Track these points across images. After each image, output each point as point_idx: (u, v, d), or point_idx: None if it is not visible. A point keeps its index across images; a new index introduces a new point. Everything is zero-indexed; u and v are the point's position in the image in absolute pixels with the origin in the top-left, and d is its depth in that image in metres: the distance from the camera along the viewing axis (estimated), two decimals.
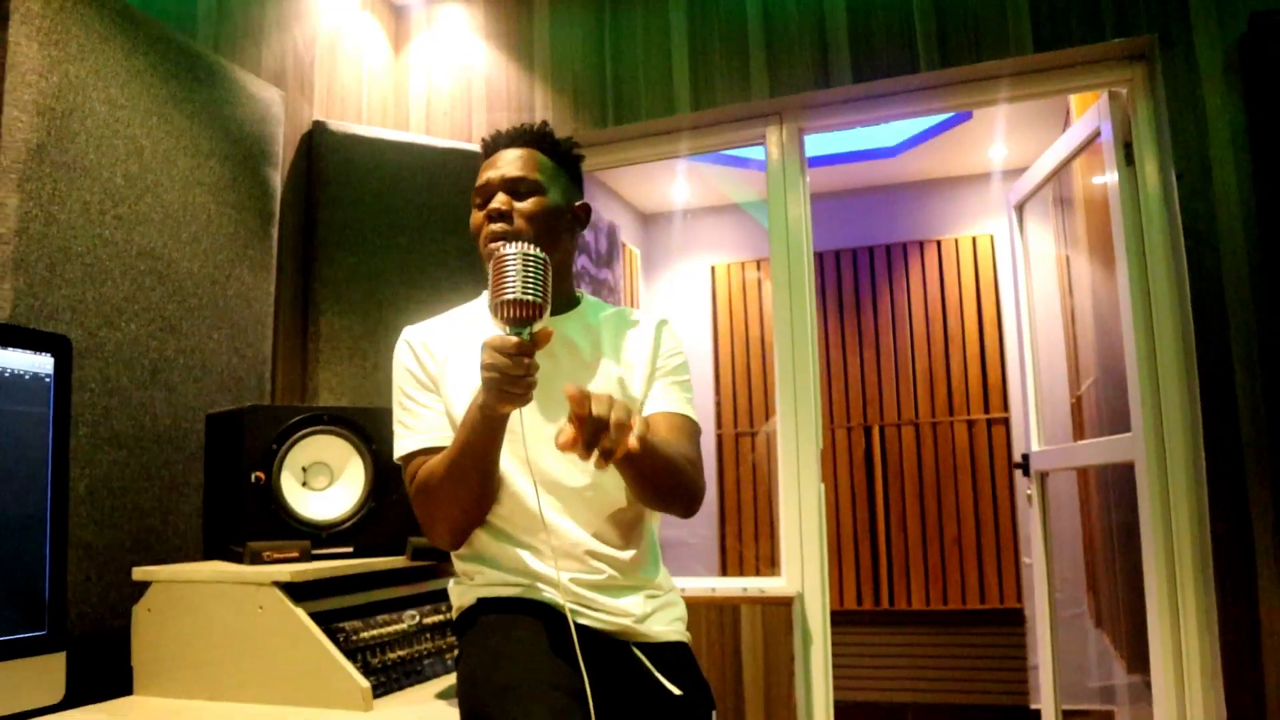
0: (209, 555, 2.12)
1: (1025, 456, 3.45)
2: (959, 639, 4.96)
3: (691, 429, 1.69)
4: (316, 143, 2.81)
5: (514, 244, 1.38)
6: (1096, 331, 3.56)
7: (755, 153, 4.50)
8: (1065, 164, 3.11)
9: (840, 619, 5.07)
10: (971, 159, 5.03)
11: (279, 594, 1.73)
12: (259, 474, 1.91)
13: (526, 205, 1.63)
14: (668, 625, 1.66)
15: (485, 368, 1.34)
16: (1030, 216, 3.74)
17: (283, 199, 2.65)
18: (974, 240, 5.15)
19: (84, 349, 1.98)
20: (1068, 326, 4.35)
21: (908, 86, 2.73)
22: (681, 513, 1.65)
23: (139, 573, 1.88)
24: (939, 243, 5.22)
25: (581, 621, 1.55)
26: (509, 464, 1.57)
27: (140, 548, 2.07)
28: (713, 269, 5.67)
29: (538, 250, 1.38)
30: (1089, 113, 2.86)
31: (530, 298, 1.34)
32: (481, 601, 1.60)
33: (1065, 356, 4.44)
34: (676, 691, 1.57)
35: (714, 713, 1.64)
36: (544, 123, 1.76)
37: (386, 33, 3.26)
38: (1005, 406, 4.99)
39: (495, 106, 3.14)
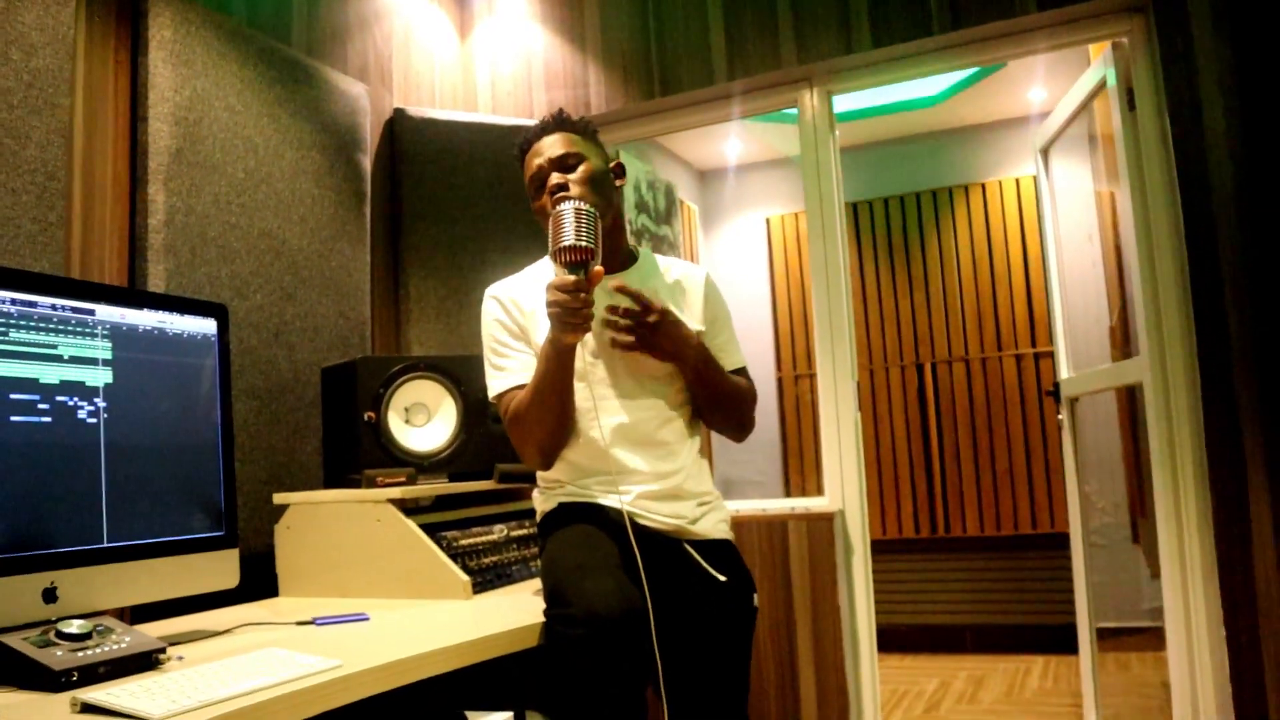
0: (329, 485, 2.52)
1: (1056, 384, 3.70)
2: (1011, 563, 5.23)
3: (747, 374, 2.13)
4: (397, 128, 3.18)
5: (566, 201, 1.74)
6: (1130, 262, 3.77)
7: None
8: (1080, 110, 3.34)
9: (898, 547, 5.40)
10: (1010, 103, 5.22)
11: (393, 509, 2.13)
12: (370, 414, 2.30)
13: (578, 174, 1.96)
14: (714, 525, 2.01)
15: (549, 304, 1.70)
16: (1062, 157, 3.95)
17: (372, 180, 3.03)
18: (1017, 181, 5.35)
19: None
20: (1108, 257, 4.55)
21: (923, 49, 2.98)
22: (735, 432, 2.09)
23: (279, 497, 2.30)
24: (983, 185, 5.43)
25: (642, 523, 1.90)
26: (582, 406, 1.92)
27: (273, 480, 2.49)
28: (768, 221, 5.96)
29: (587, 205, 1.73)
30: (1097, 61, 3.09)
31: (583, 242, 1.70)
32: (561, 505, 1.97)
33: (1105, 286, 4.63)
34: (721, 578, 1.92)
35: (754, 595, 1.98)
36: (560, 109, 2.09)
37: (453, 22, 3.61)
38: (1051, 341, 5.20)
39: (553, 85, 3.48)
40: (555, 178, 1.94)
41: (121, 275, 2.26)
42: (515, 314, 2.01)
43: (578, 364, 1.84)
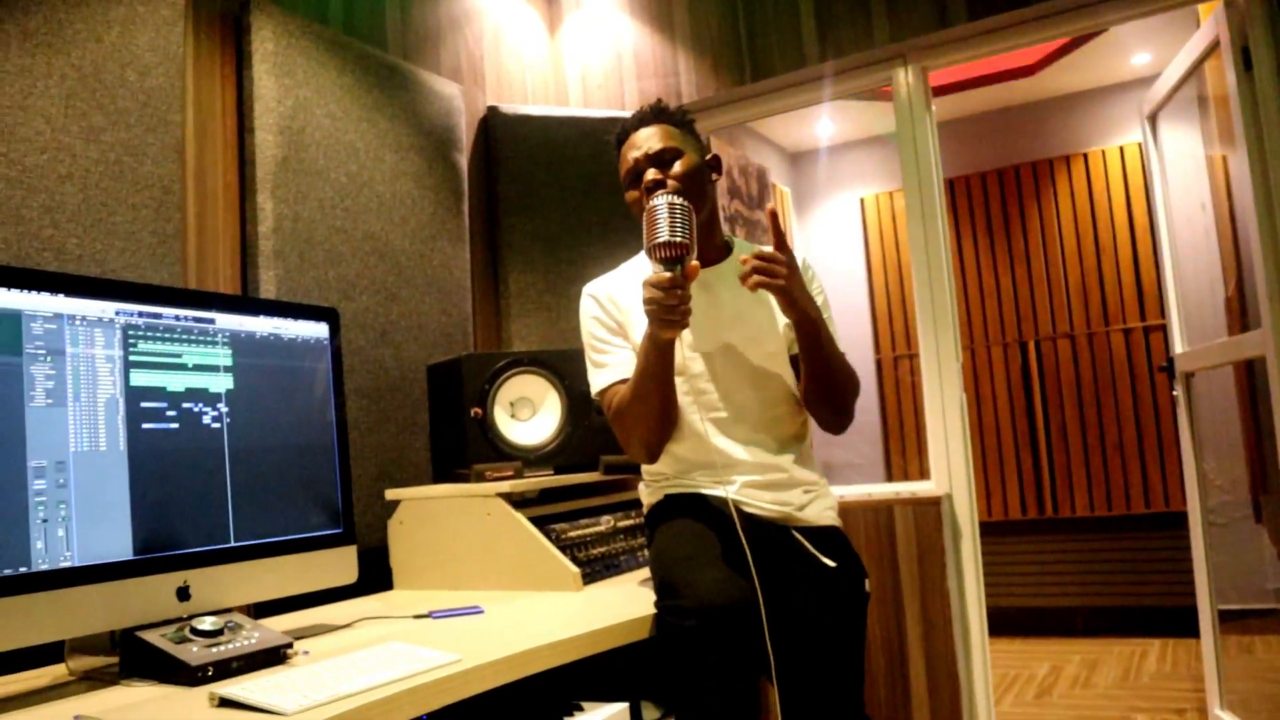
0: (438, 479, 2.58)
1: (1170, 359, 3.57)
2: (1124, 543, 5.08)
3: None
4: (491, 125, 3.22)
5: (662, 196, 1.74)
6: (1245, 230, 3.62)
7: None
8: (1190, 73, 3.21)
9: (1003, 529, 5.29)
10: (1113, 69, 5.04)
11: (502, 503, 2.16)
12: (477, 410, 2.35)
13: (676, 169, 1.96)
14: (821, 512, 1.99)
15: (645, 301, 1.70)
16: (1172, 122, 3.80)
17: (469, 178, 3.08)
18: (1121, 150, 5.17)
19: None
20: (1222, 225, 4.37)
21: (1022, 18, 2.90)
22: (835, 416, 2.01)
23: (391, 493, 2.36)
24: (1085, 155, 5.26)
25: (749, 511, 1.90)
26: (683, 400, 1.92)
27: (384, 476, 2.55)
28: (862, 201, 5.87)
29: (681, 199, 1.72)
30: (1208, 21, 2.96)
31: (678, 239, 1.69)
32: (668, 497, 1.98)
33: (1220, 257, 4.45)
34: (830, 564, 1.90)
35: (866, 580, 1.96)
36: (659, 99, 2.08)
37: (542, 18, 3.64)
38: (1162, 313, 5.02)
39: (644, 75, 3.48)
40: (651, 173, 1.94)
41: (234, 282, 2.34)
42: (613, 310, 2.02)
43: (677, 358, 1.84)
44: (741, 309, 2.01)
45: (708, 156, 2.06)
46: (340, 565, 1.83)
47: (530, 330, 3.12)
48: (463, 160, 3.03)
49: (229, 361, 1.65)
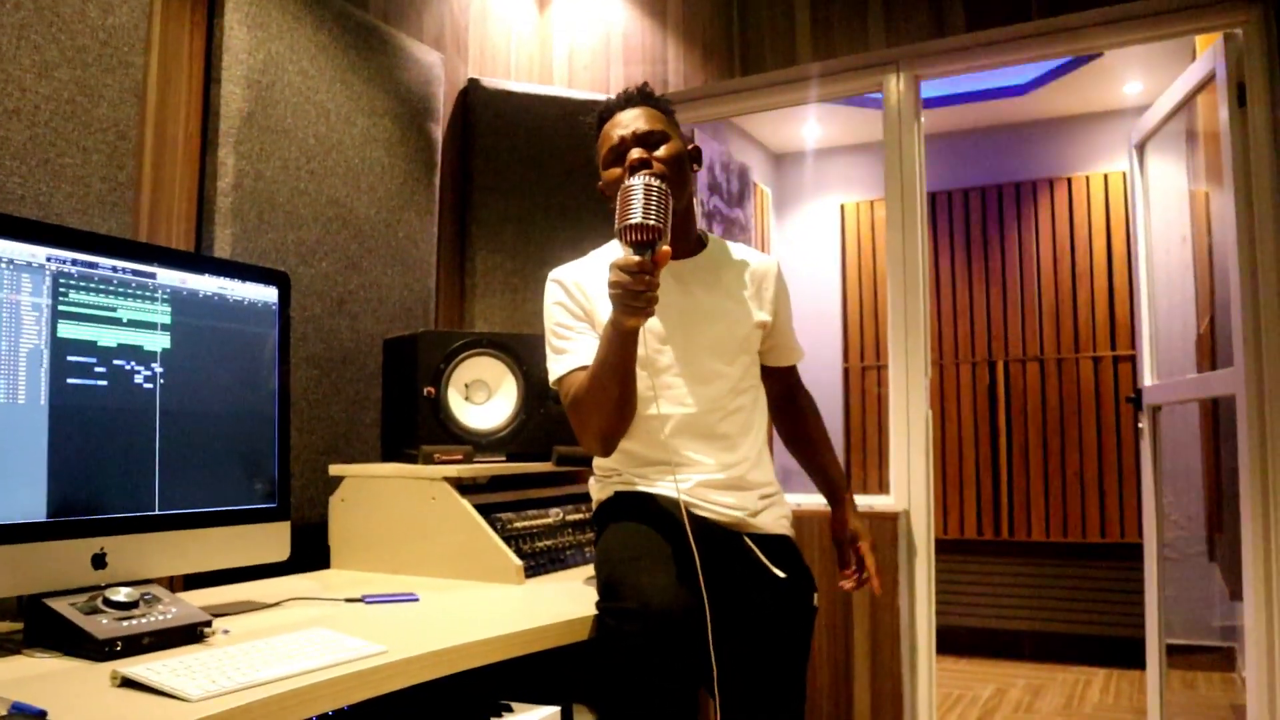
0: (387, 458, 2.50)
1: (1138, 391, 3.55)
2: (1077, 571, 5.08)
3: (794, 371, 2.17)
4: (471, 99, 3.14)
5: (639, 176, 1.66)
6: (1222, 267, 3.61)
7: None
8: (1182, 105, 3.18)
9: (959, 547, 5.28)
10: (1104, 95, 5.02)
11: (448, 487, 2.09)
12: (430, 389, 2.27)
13: (662, 152, 1.89)
14: (775, 520, 1.93)
15: (611, 285, 1.62)
16: (1158, 153, 3.78)
17: (443, 151, 2.99)
18: (1105, 177, 5.15)
19: None
20: (1199, 261, 4.36)
21: (1021, 33, 2.85)
22: None
23: (334, 469, 2.28)
24: (1069, 180, 5.24)
25: (700, 514, 1.84)
26: (642, 388, 1.85)
27: (331, 450, 2.47)
28: (842, 207, 5.83)
29: (660, 182, 1.65)
30: (1206, 53, 2.92)
31: (652, 221, 1.61)
32: (617, 494, 1.91)
33: (1195, 292, 4.45)
34: (781, 574, 1.84)
35: (814, 594, 1.91)
36: (645, 83, 2.01)
37: None
38: (1133, 344, 5.02)
39: (631, 60, 3.40)
40: (637, 152, 1.87)
41: (189, 238, 2.25)
42: (579, 297, 1.95)
43: (640, 351, 1.77)
44: (712, 306, 1.94)
45: (689, 147, 1.99)
46: (272, 542, 1.74)
47: (493, 311, 3.04)
48: (438, 131, 2.94)
49: (167, 319, 1.57)
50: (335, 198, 2.53)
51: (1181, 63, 4.42)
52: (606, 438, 1.88)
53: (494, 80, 3.19)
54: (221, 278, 1.67)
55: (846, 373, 5.73)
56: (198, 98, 2.30)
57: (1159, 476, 3.51)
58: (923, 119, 3.08)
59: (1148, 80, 4.79)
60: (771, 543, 1.89)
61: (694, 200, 2.07)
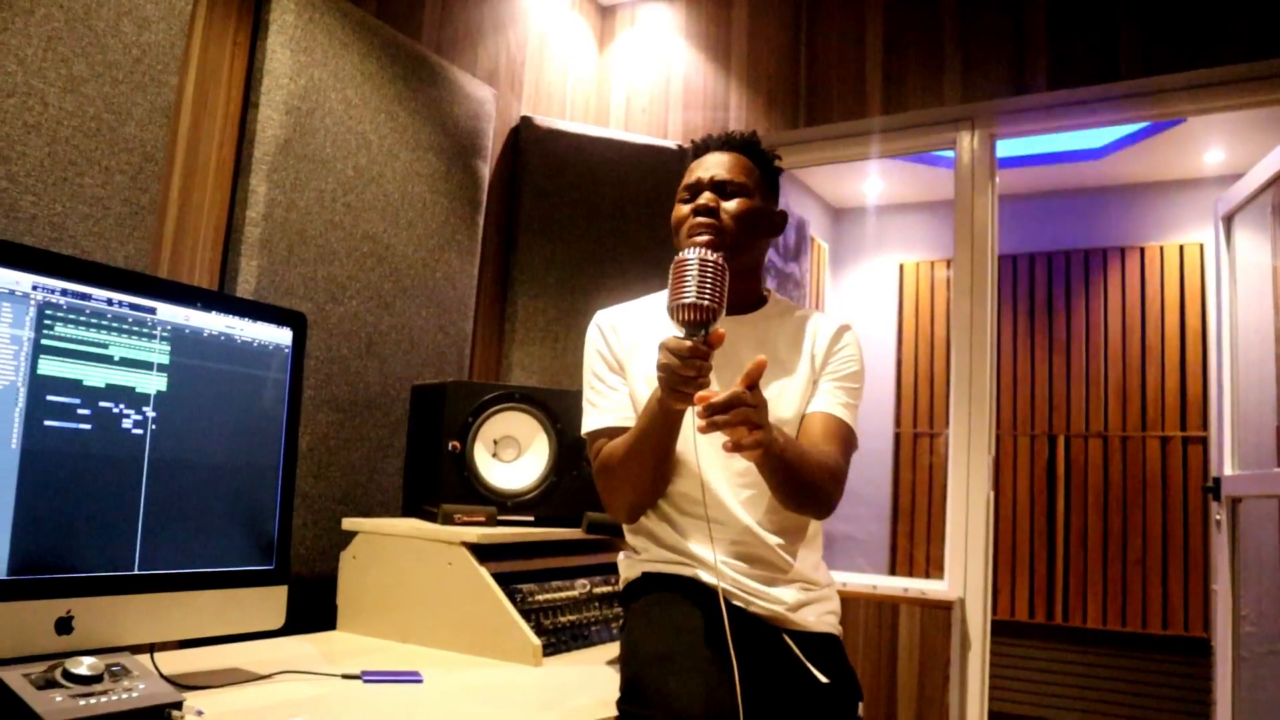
0: (407, 512, 2.34)
1: (1216, 480, 3.31)
2: (1135, 663, 4.78)
3: (845, 436, 1.74)
4: (523, 137, 3.01)
5: (694, 249, 1.50)
6: None
7: (949, 152, 4.46)
8: (1277, 178, 2.97)
9: (1009, 629, 5.00)
10: (1184, 163, 4.80)
11: (466, 553, 1.92)
12: (455, 443, 2.11)
13: (732, 205, 1.74)
14: (819, 617, 1.74)
15: (660, 368, 1.46)
16: (1243, 227, 3.56)
17: (489, 189, 2.87)
18: (1181, 249, 4.91)
19: (312, 321, 2.22)
20: None
21: (1108, 94, 2.67)
22: (813, 516, 1.76)
23: (347, 523, 2.12)
24: (1142, 250, 5.01)
25: (736, 604, 1.66)
26: (681, 450, 1.69)
27: (348, 500, 2.32)
28: (901, 267, 5.63)
29: (716, 256, 1.48)
30: None
31: (706, 302, 1.44)
32: (646, 576, 1.73)
33: (1276, 378, 4.19)
34: (823, 679, 1.65)
35: (860, 703, 1.72)
36: (753, 132, 1.87)
37: (593, 32, 3.44)
38: (1204, 425, 4.75)
39: (691, 105, 3.27)
40: (706, 196, 1.74)
41: (213, 268, 2.13)
42: (615, 345, 1.80)
43: (684, 427, 1.61)
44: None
45: (775, 210, 1.84)
46: (265, 607, 1.58)
47: (533, 360, 2.89)
48: (485, 170, 2.81)
49: (165, 359, 1.43)
50: (371, 233, 2.41)
51: (1268, 131, 4.20)
52: (636, 508, 1.73)
53: (547, 119, 3.06)
54: (231, 315, 1.53)
55: (898, 438, 5.50)
56: (234, 122, 2.19)
57: (1237, 573, 3.26)
58: (997, 179, 2.90)
59: (1231, 149, 4.57)
60: (815, 641, 1.70)
61: (762, 263, 1.90)
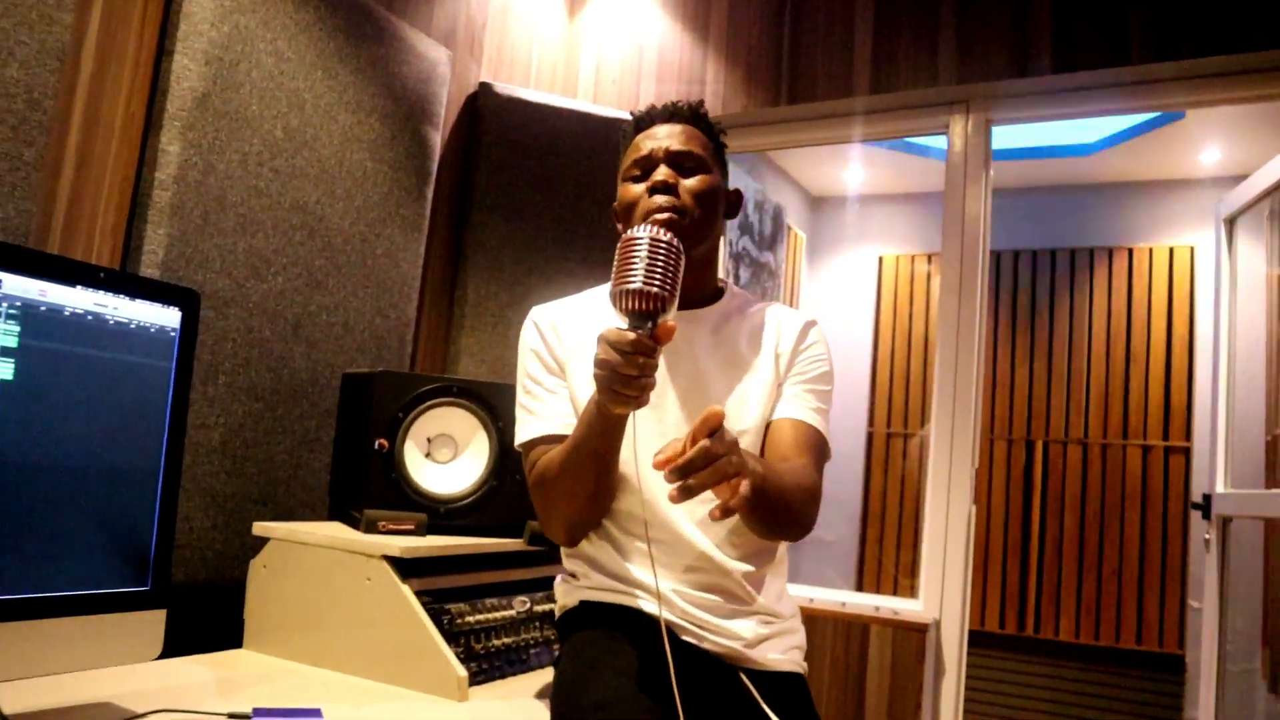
0: (333, 515, 2.11)
1: (1206, 496, 3.13)
2: (1107, 678, 4.63)
3: (818, 445, 1.53)
4: (481, 104, 2.77)
5: (645, 226, 1.27)
6: None
7: (937, 141, 4.26)
8: None
9: (978, 640, 4.82)
10: (1179, 162, 4.62)
11: (387, 568, 1.70)
12: (383, 441, 1.88)
13: (694, 183, 1.52)
14: (783, 654, 1.53)
15: (598, 364, 1.23)
16: (1240, 232, 3.39)
17: (441, 160, 2.63)
18: (1171, 251, 4.74)
19: (230, 298, 1.99)
20: (1271, 356, 3.94)
21: (1117, 79, 2.47)
22: (787, 541, 1.57)
23: (259, 528, 1.89)
24: (1130, 251, 4.84)
25: (686, 639, 1.45)
26: (623, 461, 1.47)
27: (268, 499, 2.09)
28: (880, 259, 5.44)
29: (670, 236, 1.26)
30: None
31: (655, 289, 1.22)
32: (584, 605, 1.52)
33: (1265, 390, 4.03)
34: None
35: None
36: (700, 100, 1.64)
37: None
38: (1187, 435, 4.59)
39: (665, 78, 3.04)
40: (664, 171, 1.51)
41: (116, 235, 1.88)
42: (555, 344, 1.58)
43: (627, 433, 1.38)
44: (717, 367, 1.55)
45: (730, 189, 1.62)
46: (138, 635, 1.35)
47: (484, 348, 2.66)
48: (437, 138, 2.57)
49: (13, 341, 1.19)
50: (302, 203, 2.16)
51: (1267, 131, 4.03)
52: (574, 528, 1.51)
53: (508, 87, 2.82)
54: (101, 291, 1.29)
55: (870, 437, 5.32)
56: (146, 72, 1.94)
57: (1226, 595, 3.09)
58: (992, 169, 2.69)
59: (1229, 148, 4.39)
60: (776, 682, 1.49)
61: (718, 249, 1.68)
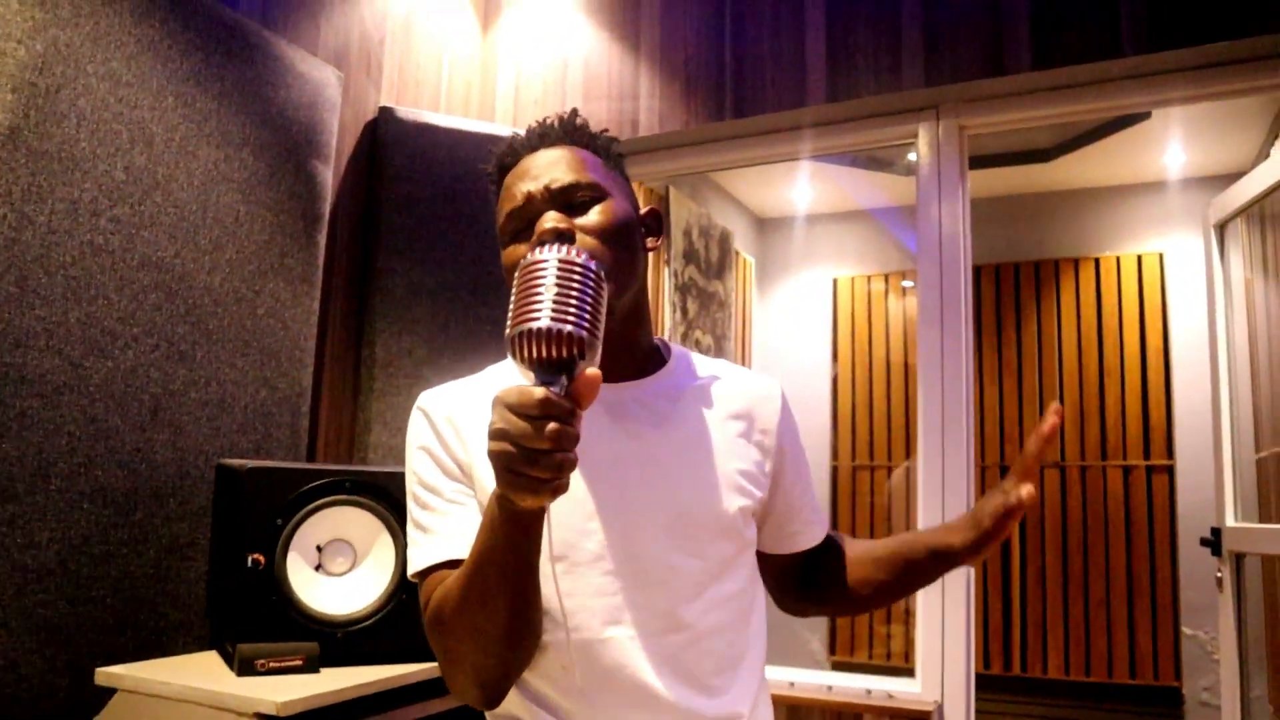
0: (215, 643, 1.71)
1: (1215, 530, 2.84)
2: (1102, 716, 4.34)
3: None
4: (381, 132, 2.40)
5: (551, 248, 0.90)
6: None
7: (888, 151, 3.96)
8: None
9: None
10: (1143, 165, 4.37)
11: None
12: (257, 556, 1.49)
13: (593, 219, 1.12)
14: None
15: (493, 437, 0.85)
16: (1189, 233, 3.13)
17: (336, 199, 2.26)
18: (1139, 259, 4.49)
19: (61, 383, 1.59)
20: (1256, 369, 3.68)
21: (1107, 74, 2.17)
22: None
23: (101, 675, 1.48)
24: (1097, 260, 4.58)
25: None
26: (550, 605, 1.09)
27: (129, 627, 1.68)
28: (835, 281, 5.14)
29: (586, 257, 0.89)
30: None
31: (569, 326, 0.84)
32: None
33: (1251, 406, 3.76)
34: None
35: None
36: (574, 111, 1.25)
37: (474, 9, 2.84)
38: (1169, 453, 4.32)
39: (593, 95, 2.69)
40: (552, 218, 1.10)
41: None
42: (450, 440, 1.17)
43: (548, 536, 1.00)
44: (674, 454, 1.17)
45: (642, 211, 1.24)
46: None
47: (397, 415, 2.28)
48: (327, 173, 2.19)
49: None
50: (154, 258, 1.77)
51: (1245, 129, 3.79)
52: (488, 683, 1.08)
53: (414, 111, 2.45)
54: None
55: (835, 472, 5.00)
56: None
57: (1245, 637, 2.78)
58: (969, 182, 2.38)
59: (1197, 149, 4.14)
60: None
61: (646, 291, 1.29)
